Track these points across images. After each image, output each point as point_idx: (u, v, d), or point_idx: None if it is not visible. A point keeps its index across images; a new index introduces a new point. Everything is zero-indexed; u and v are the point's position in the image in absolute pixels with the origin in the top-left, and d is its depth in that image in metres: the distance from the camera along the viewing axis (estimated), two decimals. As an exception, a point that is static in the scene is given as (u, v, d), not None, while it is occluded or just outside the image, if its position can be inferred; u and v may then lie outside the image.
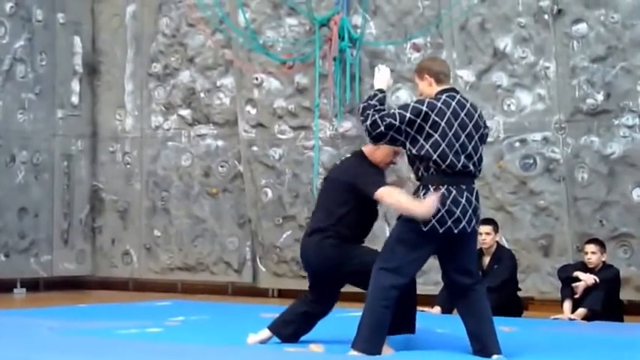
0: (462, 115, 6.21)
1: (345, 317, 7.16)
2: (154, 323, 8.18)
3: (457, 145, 6.14)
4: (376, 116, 6.15)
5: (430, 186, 6.10)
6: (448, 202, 6.08)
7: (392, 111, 6.19)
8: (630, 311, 9.62)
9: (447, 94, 6.25)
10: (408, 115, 6.12)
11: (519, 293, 9.85)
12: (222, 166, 12.51)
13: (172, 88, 12.85)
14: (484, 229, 9.80)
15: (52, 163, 12.96)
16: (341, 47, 11.33)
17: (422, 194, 6.13)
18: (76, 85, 13.23)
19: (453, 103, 6.20)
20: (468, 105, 6.30)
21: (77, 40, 13.23)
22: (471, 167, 6.21)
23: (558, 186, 10.43)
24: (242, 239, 12.38)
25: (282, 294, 12.03)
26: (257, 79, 12.08)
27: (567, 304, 9.35)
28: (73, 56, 13.20)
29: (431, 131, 6.11)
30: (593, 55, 10.23)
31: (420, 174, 6.22)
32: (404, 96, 11.19)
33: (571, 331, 8.06)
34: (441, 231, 6.09)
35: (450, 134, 6.12)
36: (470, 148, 6.19)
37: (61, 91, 13.06)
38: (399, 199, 6.26)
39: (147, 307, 10.28)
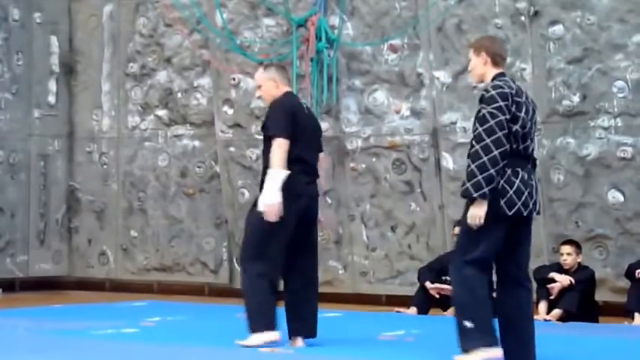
0: (523, 98, 6.03)
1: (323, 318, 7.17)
2: (130, 324, 8.17)
3: (525, 130, 5.99)
4: (488, 139, 5.84)
5: (507, 169, 5.86)
6: (518, 182, 5.90)
7: (484, 115, 5.92)
8: (605, 312, 9.66)
9: (504, 77, 6.07)
10: (501, 103, 5.87)
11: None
12: (199, 167, 12.49)
13: (149, 89, 12.82)
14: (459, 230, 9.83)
15: (29, 163, 12.91)
16: (318, 48, 11.33)
17: (499, 178, 5.85)
18: (52, 85, 13.18)
19: (517, 87, 6.04)
20: (519, 88, 6.13)
21: (54, 39, 13.19)
22: (530, 152, 6.07)
23: (534, 187, 10.45)
24: (219, 240, 12.37)
25: (259, 294, 12.01)
26: (234, 79, 12.07)
27: (543, 305, 9.39)
28: (49, 56, 13.15)
29: (516, 111, 5.92)
30: (570, 56, 10.27)
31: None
32: (381, 97, 11.21)
33: (546, 332, 8.07)
34: (510, 213, 5.89)
35: (521, 118, 5.96)
36: (532, 133, 6.07)
37: (37, 91, 13.01)
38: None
39: (123, 307, 10.26)
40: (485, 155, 5.81)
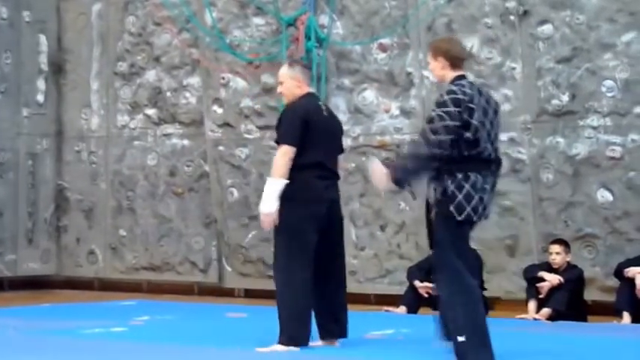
0: (483, 101, 6.05)
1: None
2: (119, 323, 8.16)
3: (485, 131, 6.00)
4: (433, 136, 5.89)
5: (458, 173, 5.92)
6: (478, 188, 5.95)
7: (433, 116, 5.96)
8: (594, 311, 9.67)
9: (464, 80, 6.09)
10: (452, 109, 5.90)
11: (485, 293, 9.88)
12: (188, 166, 12.47)
13: (138, 87, 12.79)
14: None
15: (17, 162, 12.87)
16: (308, 47, 11.32)
17: (449, 182, 5.94)
18: (41, 84, 13.15)
19: (476, 89, 6.07)
20: (484, 91, 6.20)
21: (43, 38, 13.15)
22: (493, 155, 6.11)
23: (524, 186, 10.47)
24: (208, 239, 12.35)
25: (249, 294, 12.01)
26: (224, 78, 12.05)
27: (532, 304, 9.40)
28: (38, 55, 13.12)
29: (468, 118, 5.91)
30: (559, 56, 10.28)
31: (441, 160, 5.93)
32: (370, 96, 11.21)
33: (535, 331, 8.10)
34: (459, 218, 5.94)
35: (481, 120, 5.97)
36: (493, 134, 6.08)
37: (26, 90, 12.97)
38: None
39: (112, 306, 10.24)
40: (421, 150, 5.89)
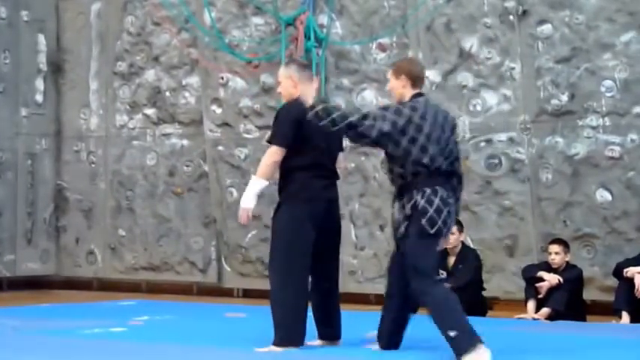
0: (440, 119, 6.34)
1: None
2: (118, 323, 8.15)
3: (439, 147, 6.26)
4: (363, 125, 6.20)
5: (426, 188, 6.16)
6: (438, 201, 6.16)
7: (378, 115, 6.25)
8: (593, 311, 9.66)
9: (421, 97, 6.41)
10: (394, 118, 6.21)
11: (484, 293, 9.89)
12: (187, 166, 12.47)
13: (137, 87, 12.79)
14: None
15: (16, 162, 12.87)
16: (307, 47, 11.32)
17: (419, 197, 6.17)
18: (40, 84, 13.15)
19: (431, 107, 6.36)
20: (440, 109, 6.49)
21: (41, 38, 13.15)
22: (451, 169, 6.35)
23: (523, 186, 10.48)
24: (207, 239, 12.35)
25: (247, 294, 12.01)
26: (223, 78, 12.05)
27: (531, 304, 9.39)
28: (37, 54, 13.11)
29: (415, 134, 6.20)
30: (558, 56, 10.29)
31: (404, 178, 6.26)
32: (369, 96, 11.21)
33: (535, 331, 8.09)
34: (432, 232, 6.17)
35: (434, 137, 6.24)
36: (447, 151, 6.32)
37: (25, 90, 12.97)
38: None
39: (111, 306, 10.23)
40: (353, 118, 6.21)
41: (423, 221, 6.13)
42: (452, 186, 6.34)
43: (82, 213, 13.15)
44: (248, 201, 6.68)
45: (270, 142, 6.75)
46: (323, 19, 11.48)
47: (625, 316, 9.03)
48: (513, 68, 10.48)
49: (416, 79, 6.46)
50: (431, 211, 6.14)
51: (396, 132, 6.20)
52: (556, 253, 9.48)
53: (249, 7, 11.87)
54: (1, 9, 12.70)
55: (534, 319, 9.19)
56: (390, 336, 6.57)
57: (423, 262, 6.18)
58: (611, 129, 10.09)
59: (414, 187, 6.20)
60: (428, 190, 6.17)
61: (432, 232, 6.14)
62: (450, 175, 6.34)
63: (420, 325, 6.99)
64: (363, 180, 11.23)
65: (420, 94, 6.42)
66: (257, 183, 6.68)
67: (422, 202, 6.16)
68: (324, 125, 6.27)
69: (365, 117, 6.24)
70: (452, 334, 6.04)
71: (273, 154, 6.70)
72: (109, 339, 7.21)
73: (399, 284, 6.44)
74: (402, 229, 6.27)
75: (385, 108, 6.36)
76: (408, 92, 6.43)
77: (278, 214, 6.70)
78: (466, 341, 6.02)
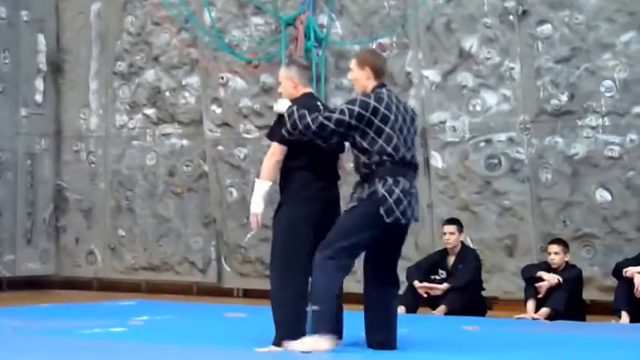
0: (401, 111, 6.44)
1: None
2: (118, 323, 8.15)
3: (402, 137, 6.36)
4: (320, 118, 6.35)
5: (388, 178, 6.26)
6: (398, 191, 6.25)
7: (337, 107, 6.43)
8: (592, 311, 9.67)
9: (384, 88, 6.48)
10: (356, 109, 6.30)
11: (484, 293, 9.90)
12: (187, 166, 12.47)
13: (137, 87, 12.79)
14: (448, 228, 9.86)
15: (16, 162, 12.87)
16: (307, 47, 11.32)
17: (380, 187, 6.26)
18: (40, 84, 13.14)
19: (394, 98, 6.46)
20: (401, 101, 6.57)
21: (41, 38, 13.15)
22: (412, 160, 6.45)
23: (523, 186, 10.48)
24: (207, 239, 12.35)
25: (247, 294, 12.01)
26: (222, 78, 12.05)
27: (531, 304, 9.39)
28: (37, 54, 13.11)
29: (381, 125, 6.29)
30: (558, 56, 10.29)
31: (368, 167, 6.36)
32: (369, 96, 11.20)
33: (534, 331, 8.10)
34: (388, 220, 6.24)
35: (397, 127, 6.34)
36: (410, 142, 6.44)
37: (24, 90, 12.97)
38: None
39: (111, 306, 10.23)
40: (308, 119, 6.33)
41: (382, 210, 6.22)
42: (413, 179, 6.43)
43: (81, 213, 13.15)
44: (256, 205, 6.70)
45: (270, 137, 6.77)
46: (323, 19, 11.48)
47: (624, 316, 9.03)
48: (513, 68, 10.49)
49: (379, 71, 6.54)
50: (390, 200, 6.23)
51: (363, 123, 6.29)
52: (555, 253, 9.48)
53: (249, 7, 11.87)
54: (0, 9, 12.69)
55: (534, 318, 9.19)
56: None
57: (346, 239, 6.27)
58: (610, 129, 10.09)
59: (377, 175, 6.30)
60: (390, 180, 6.26)
61: (388, 221, 6.22)
62: (412, 166, 6.43)
63: (418, 326, 7.01)
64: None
65: (382, 85, 6.51)
66: (261, 186, 6.70)
67: (382, 191, 6.25)
68: (301, 131, 6.38)
69: (332, 112, 6.38)
70: (315, 307, 6.23)
71: (274, 153, 6.71)
72: (109, 339, 7.20)
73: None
74: (348, 206, 6.41)
75: (352, 101, 6.42)
76: (372, 83, 6.51)
77: (278, 214, 6.71)
78: (322, 323, 6.20)
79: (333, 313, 6.35)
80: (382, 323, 6.53)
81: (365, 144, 6.33)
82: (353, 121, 6.29)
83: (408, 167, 6.38)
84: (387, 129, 6.30)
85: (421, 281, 9.74)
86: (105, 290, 12.76)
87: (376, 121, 6.30)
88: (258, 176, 6.85)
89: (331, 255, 6.29)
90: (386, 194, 6.24)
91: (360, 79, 6.55)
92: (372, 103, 6.33)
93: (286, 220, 6.66)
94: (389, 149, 6.29)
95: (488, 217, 10.65)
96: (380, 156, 6.29)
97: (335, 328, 6.45)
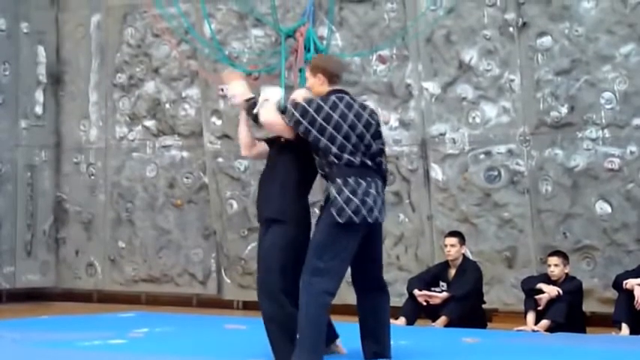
0: (351, 115, 6.40)
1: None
2: (118, 335, 8.14)
3: (351, 142, 6.33)
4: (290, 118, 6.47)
5: (337, 179, 6.28)
6: (360, 192, 6.26)
7: (299, 108, 6.45)
8: (592, 323, 9.67)
9: (336, 94, 6.47)
10: (301, 103, 6.40)
11: (483, 305, 9.89)
12: (187, 178, 12.47)
13: (137, 99, 12.80)
14: (450, 241, 9.86)
15: (16, 174, 12.87)
16: (307, 58, 11.30)
17: (332, 188, 6.29)
18: (39, 96, 13.15)
19: (341, 104, 6.42)
20: (357, 105, 6.52)
21: (41, 49, 13.16)
22: (370, 163, 6.40)
23: (522, 198, 10.48)
24: (207, 251, 12.34)
25: (247, 306, 11.99)
26: (222, 90, 12.05)
27: (531, 316, 9.39)
28: (36, 66, 13.12)
29: (324, 124, 6.31)
30: (558, 68, 10.30)
31: (322, 169, 6.44)
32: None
33: (534, 343, 8.09)
34: (357, 221, 6.23)
35: (343, 130, 6.33)
36: (362, 146, 6.38)
37: (24, 101, 12.98)
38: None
39: (110, 318, 10.22)
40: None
41: (333, 210, 6.24)
42: (373, 181, 6.36)
43: (81, 225, 13.14)
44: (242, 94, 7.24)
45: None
46: (323, 30, 11.47)
47: (625, 328, 9.03)
48: (513, 80, 10.50)
49: (331, 76, 6.55)
50: (340, 201, 6.23)
51: (314, 126, 6.31)
52: (555, 265, 9.48)
53: (249, 19, 11.89)
54: (0, 21, 12.71)
55: (534, 330, 9.19)
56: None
57: (319, 258, 6.25)
58: (610, 141, 10.10)
59: (330, 178, 6.35)
60: (339, 181, 6.27)
61: (341, 221, 6.22)
62: (368, 169, 6.37)
63: (418, 338, 7.01)
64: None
65: (337, 91, 6.49)
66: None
67: (333, 192, 6.28)
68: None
69: (293, 108, 6.43)
70: (298, 335, 6.21)
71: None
72: (109, 351, 7.20)
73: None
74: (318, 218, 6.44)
75: (308, 102, 6.44)
76: (325, 89, 6.52)
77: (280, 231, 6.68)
78: (306, 352, 6.16)
79: (321, 339, 6.30)
80: (375, 332, 6.54)
81: (317, 146, 6.34)
82: (303, 119, 6.34)
83: (361, 169, 6.33)
84: (330, 129, 6.31)
85: (421, 290, 9.74)
86: (105, 302, 12.75)
87: (319, 120, 6.32)
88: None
89: (309, 279, 6.28)
90: (336, 195, 6.26)
91: (314, 86, 6.58)
92: (317, 101, 6.38)
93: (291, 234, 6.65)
94: (334, 151, 6.30)
95: (488, 229, 10.65)
96: (329, 158, 6.31)
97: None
